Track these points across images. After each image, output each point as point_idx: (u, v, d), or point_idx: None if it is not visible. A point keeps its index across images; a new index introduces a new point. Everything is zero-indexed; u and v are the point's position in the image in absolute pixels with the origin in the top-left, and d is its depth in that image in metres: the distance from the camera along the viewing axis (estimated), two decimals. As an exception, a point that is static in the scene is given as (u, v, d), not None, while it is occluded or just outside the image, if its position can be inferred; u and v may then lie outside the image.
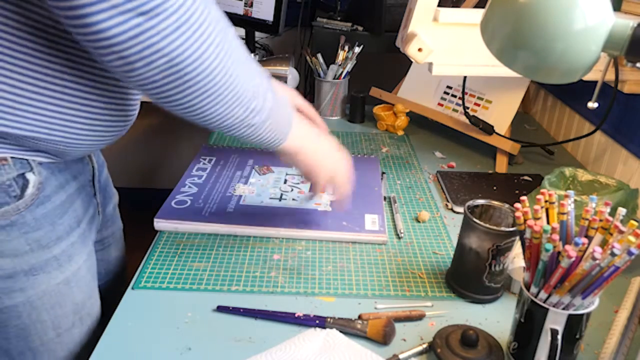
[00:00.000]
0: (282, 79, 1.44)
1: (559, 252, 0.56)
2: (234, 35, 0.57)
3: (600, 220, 0.58)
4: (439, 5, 0.87)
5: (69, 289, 0.69)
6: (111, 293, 0.84)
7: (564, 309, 0.57)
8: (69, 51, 0.57)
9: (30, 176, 0.62)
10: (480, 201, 0.75)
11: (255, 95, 0.61)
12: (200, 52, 0.52)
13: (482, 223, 0.69)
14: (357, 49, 1.36)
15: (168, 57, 0.50)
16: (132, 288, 0.74)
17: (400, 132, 1.31)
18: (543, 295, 0.58)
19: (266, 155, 1.12)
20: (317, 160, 0.74)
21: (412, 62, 1.18)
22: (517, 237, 0.68)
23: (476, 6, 1.19)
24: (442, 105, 1.28)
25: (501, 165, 1.14)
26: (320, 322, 0.67)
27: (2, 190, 0.60)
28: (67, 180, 0.69)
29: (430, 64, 0.91)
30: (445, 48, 0.89)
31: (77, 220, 0.70)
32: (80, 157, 0.72)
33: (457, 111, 1.25)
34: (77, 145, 0.63)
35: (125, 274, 0.95)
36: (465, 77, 1.21)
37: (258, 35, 1.81)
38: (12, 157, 0.60)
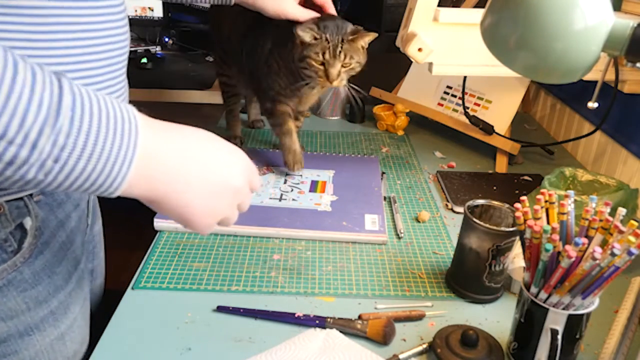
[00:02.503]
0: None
1: (559, 252, 0.56)
2: None
3: (600, 220, 0.58)
4: (439, 5, 0.87)
5: (62, 344, 0.62)
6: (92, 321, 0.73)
7: (564, 309, 0.57)
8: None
9: (27, 222, 0.54)
10: (480, 201, 0.75)
11: (9, 137, 0.37)
12: None
13: (482, 223, 0.69)
14: (357, 49, 1.35)
15: None
16: (132, 288, 0.74)
17: (400, 132, 1.31)
18: (543, 295, 0.58)
19: (266, 155, 1.12)
20: (188, 207, 0.48)
21: (412, 62, 1.17)
22: (517, 237, 0.68)
23: (476, 6, 1.19)
24: (442, 105, 1.28)
25: (501, 165, 1.14)
26: (320, 322, 0.67)
27: None
28: (67, 214, 0.62)
29: (430, 64, 0.91)
30: (445, 48, 0.89)
31: (75, 262, 0.63)
32: None
33: (457, 111, 1.25)
34: None
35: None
36: (465, 77, 1.21)
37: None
38: (6, 202, 0.52)
